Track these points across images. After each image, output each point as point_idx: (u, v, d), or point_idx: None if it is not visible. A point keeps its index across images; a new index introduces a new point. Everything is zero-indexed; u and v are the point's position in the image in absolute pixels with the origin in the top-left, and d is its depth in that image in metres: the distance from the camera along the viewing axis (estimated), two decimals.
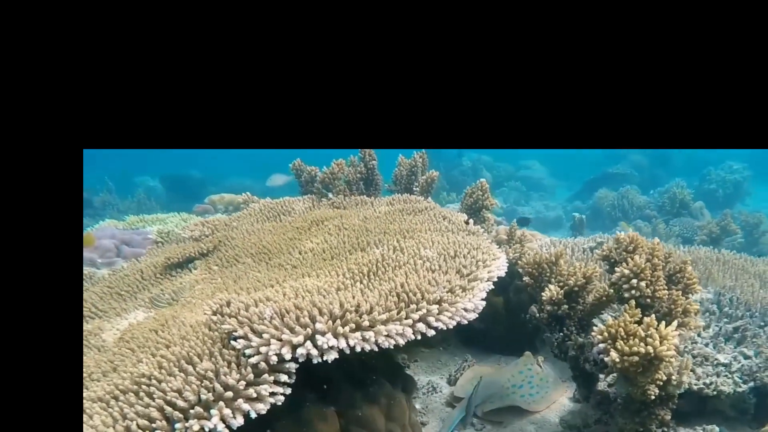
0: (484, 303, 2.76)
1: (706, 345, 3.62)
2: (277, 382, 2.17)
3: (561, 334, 3.33)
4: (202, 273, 3.39)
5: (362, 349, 2.27)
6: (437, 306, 2.53)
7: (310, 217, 3.87)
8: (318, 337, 2.20)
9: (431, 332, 2.47)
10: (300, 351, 2.17)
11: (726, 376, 3.33)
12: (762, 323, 3.82)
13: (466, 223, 3.75)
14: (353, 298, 2.42)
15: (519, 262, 3.87)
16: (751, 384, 3.32)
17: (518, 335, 4.45)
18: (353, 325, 2.29)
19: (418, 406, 3.74)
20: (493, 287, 2.68)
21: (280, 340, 2.19)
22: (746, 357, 3.47)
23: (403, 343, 2.38)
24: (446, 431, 3.38)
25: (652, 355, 2.49)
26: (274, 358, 2.15)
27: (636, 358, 2.52)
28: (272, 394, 2.15)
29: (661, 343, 2.48)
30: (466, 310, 2.62)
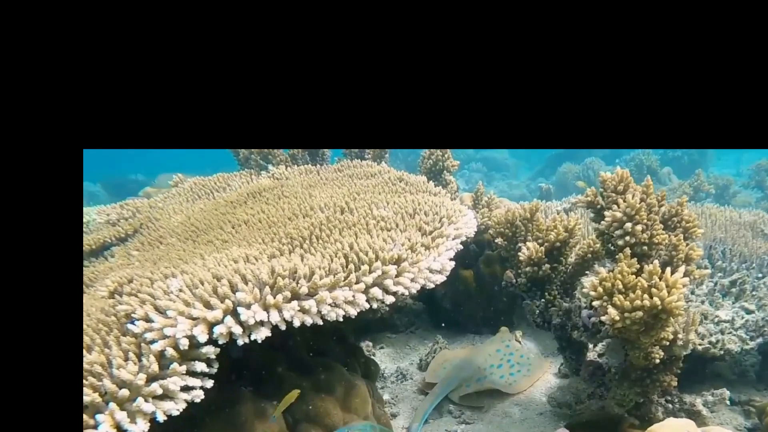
0: (452, 264, 2.29)
1: (702, 302, 3.24)
2: (192, 373, 1.67)
3: (543, 300, 2.88)
4: (120, 259, 2.84)
5: (303, 323, 1.77)
6: (395, 267, 2.04)
7: (247, 189, 3.35)
8: (242, 310, 1.69)
9: (389, 299, 1.98)
10: (219, 329, 1.66)
11: (731, 333, 2.94)
12: (760, 275, 3.48)
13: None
14: (288, 261, 1.93)
15: (489, 222, 3.42)
16: (759, 340, 2.96)
17: (492, 311, 4.06)
18: (288, 294, 1.78)
19: (387, 396, 3.28)
20: (462, 259, 2.25)
21: (192, 317, 1.68)
22: (748, 312, 3.12)
23: (355, 313, 1.88)
24: (419, 421, 2.91)
25: (660, 308, 2.05)
26: (185, 342, 1.64)
27: (639, 314, 2.08)
28: (186, 388, 1.65)
29: (669, 293, 2.04)
30: (430, 270, 2.14)
